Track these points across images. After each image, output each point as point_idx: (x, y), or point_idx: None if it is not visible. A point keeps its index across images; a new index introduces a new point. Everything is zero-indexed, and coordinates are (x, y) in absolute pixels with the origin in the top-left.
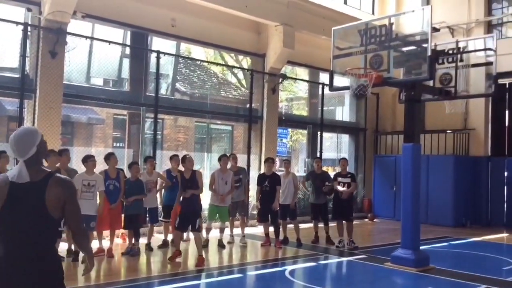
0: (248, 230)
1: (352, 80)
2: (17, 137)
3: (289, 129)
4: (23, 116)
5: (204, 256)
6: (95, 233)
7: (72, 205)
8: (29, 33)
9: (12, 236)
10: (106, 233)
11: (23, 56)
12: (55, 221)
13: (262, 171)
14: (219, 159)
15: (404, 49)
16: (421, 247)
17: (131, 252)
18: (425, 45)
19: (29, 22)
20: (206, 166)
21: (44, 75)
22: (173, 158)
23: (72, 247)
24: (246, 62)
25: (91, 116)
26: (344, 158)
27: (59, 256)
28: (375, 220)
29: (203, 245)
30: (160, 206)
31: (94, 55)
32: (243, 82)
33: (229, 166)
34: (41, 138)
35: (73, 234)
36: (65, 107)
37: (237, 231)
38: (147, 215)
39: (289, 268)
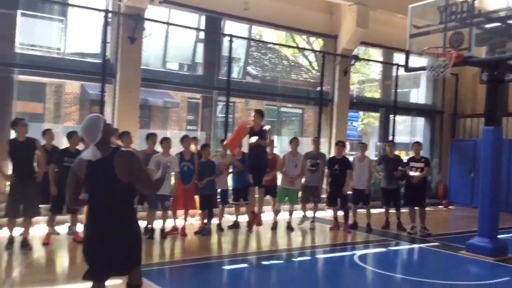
0: (317, 214)
1: (430, 60)
2: (85, 127)
3: (360, 112)
4: (104, 100)
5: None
6: (170, 212)
7: (135, 169)
8: (109, 19)
9: (95, 204)
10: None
11: (104, 42)
12: (127, 188)
13: (332, 155)
14: (290, 142)
15: (487, 26)
16: (499, 236)
17: (203, 232)
18: (510, 22)
19: (110, 9)
20: (276, 149)
21: (124, 60)
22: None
23: (149, 225)
24: (317, 44)
25: (166, 100)
26: (417, 142)
27: (137, 223)
28: (450, 206)
29: (271, 227)
30: (230, 189)
31: (170, 40)
32: (314, 64)
33: (312, 149)
34: (104, 123)
35: (146, 188)
36: (142, 91)
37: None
38: (219, 197)
39: (358, 253)
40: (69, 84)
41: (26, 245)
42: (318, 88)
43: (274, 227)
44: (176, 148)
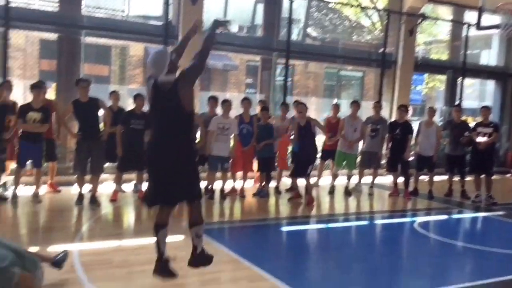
0: (376, 180)
1: (504, 18)
2: (152, 61)
3: (425, 75)
4: None
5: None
6: (229, 174)
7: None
8: None
9: (159, 123)
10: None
11: (166, 3)
12: (186, 110)
13: (393, 119)
14: (350, 105)
15: None
16: None
17: (261, 194)
18: None
19: None
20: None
21: (186, 21)
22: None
23: (209, 186)
24: (381, 2)
25: (226, 63)
26: (486, 106)
27: (194, 144)
28: None
29: (329, 191)
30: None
31: (230, 1)
32: (377, 25)
33: (372, 113)
34: (170, 55)
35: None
36: None
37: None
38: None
39: (418, 219)
40: (133, 47)
41: (94, 201)
42: (381, 50)
43: (332, 191)
44: (235, 111)
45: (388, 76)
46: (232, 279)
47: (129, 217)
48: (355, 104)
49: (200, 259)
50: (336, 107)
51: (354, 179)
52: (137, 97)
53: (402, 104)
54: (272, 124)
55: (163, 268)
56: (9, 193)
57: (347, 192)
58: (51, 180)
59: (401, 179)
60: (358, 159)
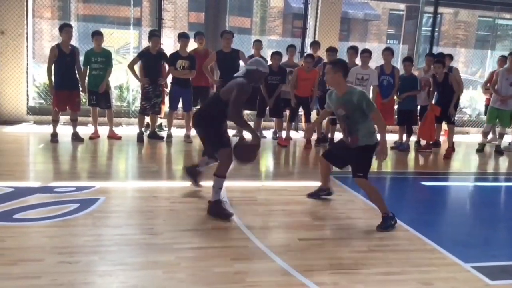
0: None
1: None
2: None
3: None
4: (307, 12)
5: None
6: None
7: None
8: None
9: None
10: None
11: None
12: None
13: None
14: (509, 57)
15: None
16: None
17: (400, 147)
18: None
19: None
20: (488, 66)
21: None
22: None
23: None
24: None
25: (367, 12)
26: None
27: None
28: None
29: (477, 149)
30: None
31: None
32: None
33: None
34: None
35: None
36: (344, 3)
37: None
38: (418, 113)
39: None
40: None
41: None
42: None
43: (481, 149)
44: (374, 63)
45: None
46: (368, 225)
47: (268, 161)
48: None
49: (210, 208)
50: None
51: (507, 138)
52: (274, 55)
53: None
54: (415, 75)
55: None
56: (164, 133)
57: (498, 151)
58: None
59: None
60: None
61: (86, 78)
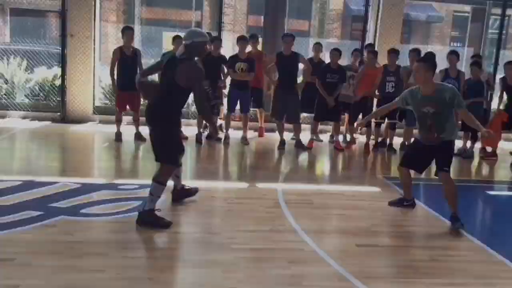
0: None
1: None
2: None
3: None
4: (368, 15)
5: None
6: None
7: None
8: None
9: None
10: None
11: None
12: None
13: None
14: None
15: None
16: None
17: (464, 155)
18: None
19: None
20: None
21: None
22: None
23: (406, 142)
24: None
25: (430, 14)
26: None
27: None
28: None
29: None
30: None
31: None
32: None
33: None
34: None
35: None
36: (406, 5)
37: None
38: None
39: None
40: (334, 0)
41: (300, 145)
42: None
43: None
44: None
45: None
46: (429, 234)
47: (324, 165)
48: None
49: (141, 217)
50: None
51: None
52: (333, 51)
53: None
54: (483, 81)
55: None
56: (221, 135)
57: None
58: (261, 125)
59: None
60: None
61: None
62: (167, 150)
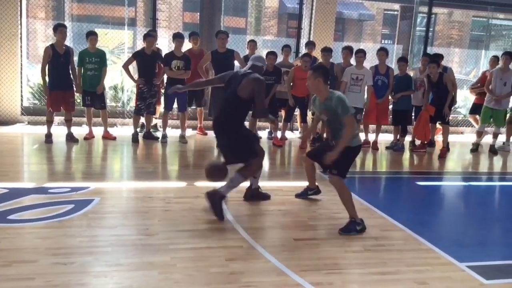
0: None
1: None
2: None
3: None
4: (302, 12)
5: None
6: (361, 126)
7: None
8: None
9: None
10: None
11: None
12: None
13: None
14: (502, 56)
15: None
16: None
17: (395, 147)
18: None
19: None
20: (482, 65)
21: None
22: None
23: None
24: None
25: (362, 12)
26: None
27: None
28: None
29: (471, 149)
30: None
31: None
32: None
33: None
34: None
35: None
36: (339, 3)
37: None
38: (413, 113)
39: None
40: None
41: None
42: None
43: (475, 149)
44: (369, 63)
45: None
46: None
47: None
48: (507, 56)
49: (212, 196)
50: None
51: (501, 138)
52: (269, 55)
53: None
54: (410, 75)
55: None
56: (159, 134)
57: (493, 151)
58: (200, 124)
59: None
60: (508, 116)
61: (81, 78)
62: (248, 147)
